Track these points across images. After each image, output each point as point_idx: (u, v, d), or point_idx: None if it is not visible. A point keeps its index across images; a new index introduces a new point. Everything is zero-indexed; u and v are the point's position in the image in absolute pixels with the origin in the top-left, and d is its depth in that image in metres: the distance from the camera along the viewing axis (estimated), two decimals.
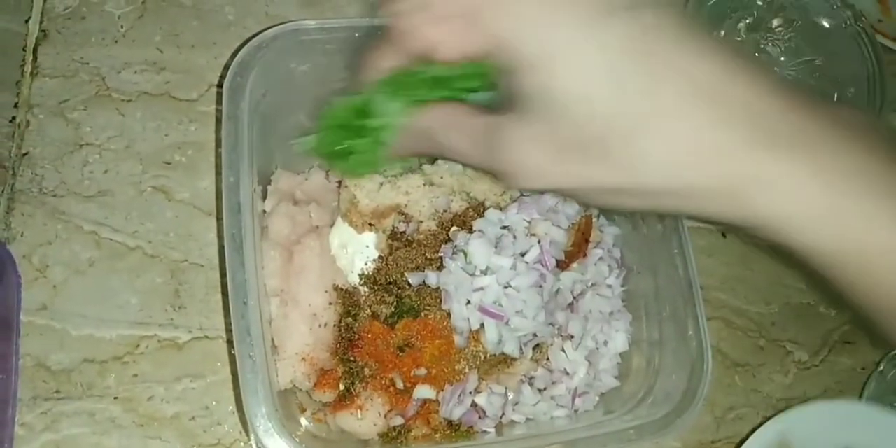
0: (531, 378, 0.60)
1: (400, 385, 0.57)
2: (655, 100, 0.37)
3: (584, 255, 0.63)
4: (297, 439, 0.49)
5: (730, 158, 0.37)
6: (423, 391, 0.57)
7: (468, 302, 0.57)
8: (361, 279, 0.60)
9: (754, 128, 0.37)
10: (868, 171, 0.37)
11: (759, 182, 0.37)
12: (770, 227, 0.38)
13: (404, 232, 0.61)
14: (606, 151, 0.38)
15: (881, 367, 0.75)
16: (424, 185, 0.60)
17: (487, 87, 0.47)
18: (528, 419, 0.60)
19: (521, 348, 0.58)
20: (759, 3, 0.85)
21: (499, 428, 0.60)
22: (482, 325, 0.57)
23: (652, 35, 0.37)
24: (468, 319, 0.57)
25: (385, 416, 0.57)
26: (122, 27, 0.73)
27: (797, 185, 0.36)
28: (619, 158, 0.38)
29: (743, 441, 0.68)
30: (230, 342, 0.64)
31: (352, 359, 0.57)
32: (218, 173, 0.68)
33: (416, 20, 0.42)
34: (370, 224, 0.61)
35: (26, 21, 0.71)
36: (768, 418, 0.69)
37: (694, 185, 0.38)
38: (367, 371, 0.57)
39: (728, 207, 0.38)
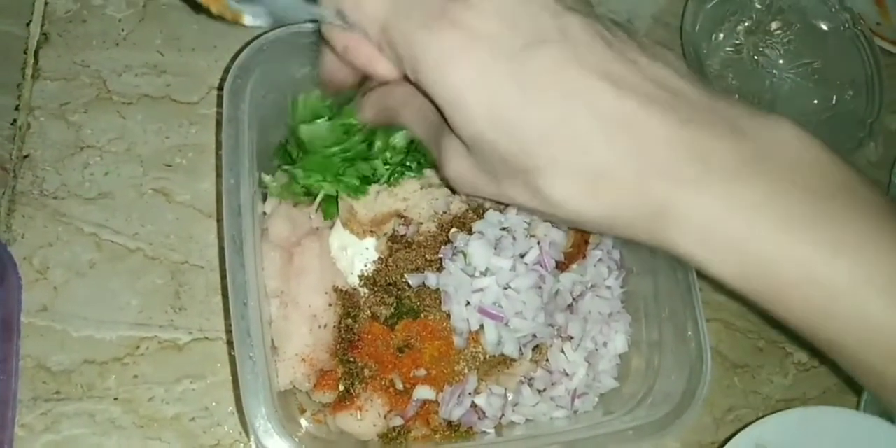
0: (531, 379, 0.60)
1: (399, 386, 0.57)
2: (554, 135, 0.37)
3: (584, 257, 0.64)
4: (297, 440, 0.49)
5: (633, 191, 0.37)
6: (423, 392, 0.57)
7: (468, 303, 0.57)
8: (361, 280, 0.60)
9: (657, 159, 0.36)
10: (780, 199, 0.36)
11: (662, 214, 0.37)
12: (683, 256, 0.38)
13: (404, 234, 0.61)
14: (513, 180, 0.39)
15: None
16: (422, 188, 0.61)
17: None
18: (527, 420, 0.61)
19: (520, 349, 0.58)
20: (758, 6, 0.85)
21: (498, 429, 0.60)
22: (482, 326, 0.57)
23: (545, 76, 0.37)
24: (468, 320, 0.57)
25: (385, 417, 0.57)
26: (122, 30, 0.73)
27: (702, 216, 0.36)
28: (530, 190, 0.39)
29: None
30: (230, 343, 0.64)
31: (351, 360, 0.57)
32: (218, 175, 0.69)
33: (350, 40, 0.43)
34: (371, 231, 0.61)
35: (27, 24, 0.71)
36: None
37: (602, 215, 0.38)
38: (366, 372, 0.57)
39: (643, 235, 0.39)
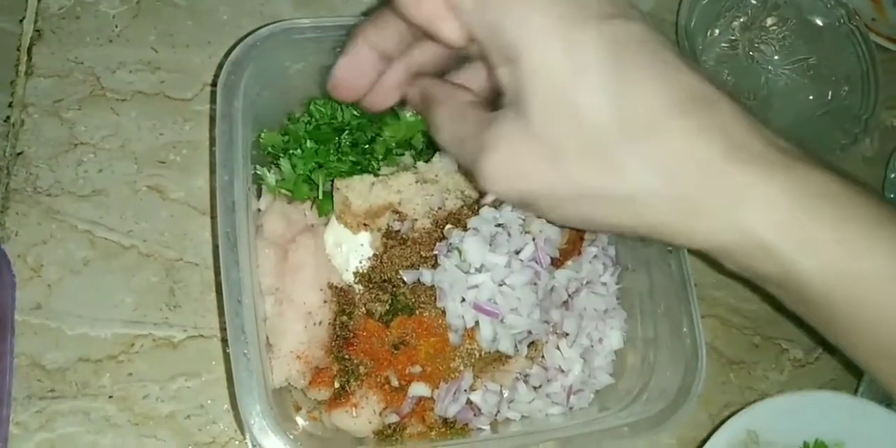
0: (526, 375, 0.60)
1: (395, 383, 0.57)
2: (639, 106, 0.36)
3: (579, 253, 0.64)
4: (292, 437, 0.49)
5: (714, 171, 0.36)
6: (418, 389, 0.57)
7: (463, 300, 0.57)
8: (356, 277, 0.60)
9: (736, 143, 0.36)
10: (842, 195, 0.36)
11: (739, 198, 0.36)
12: (743, 249, 0.37)
13: (399, 230, 0.61)
14: (588, 152, 0.37)
15: None
16: (417, 182, 0.60)
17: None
18: (523, 416, 0.60)
19: (515, 346, 0.58)
20: (753, 1, 0.85)
21: (494, 425, 0.60)
22: (477, 323, 0.57)
23: (635, 44, 0.36)
24: (463, 317, 0.57)
25: (380, 414, 0.57)
26: (116, 27, 0.73)
27: (778, 205, 0.36)
28: (600, 160, 0.37)
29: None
30: (225, 341, 0.64)
31: (347, 357, 0.57)
32: (212, 172, 0.68)
33: None
34: (364, 224, 0.61)
35: (21, 21, 0.71)
36: None
37: (676, 195, 0.36)
38: (361, 369, 0.57)
39: (701, 224, 0.37)
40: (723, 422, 0.67)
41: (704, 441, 0.66)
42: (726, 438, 0.66)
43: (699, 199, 0.36)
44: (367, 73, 0.46)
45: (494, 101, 0.42)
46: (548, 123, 0.37)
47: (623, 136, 0.36)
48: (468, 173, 0.43)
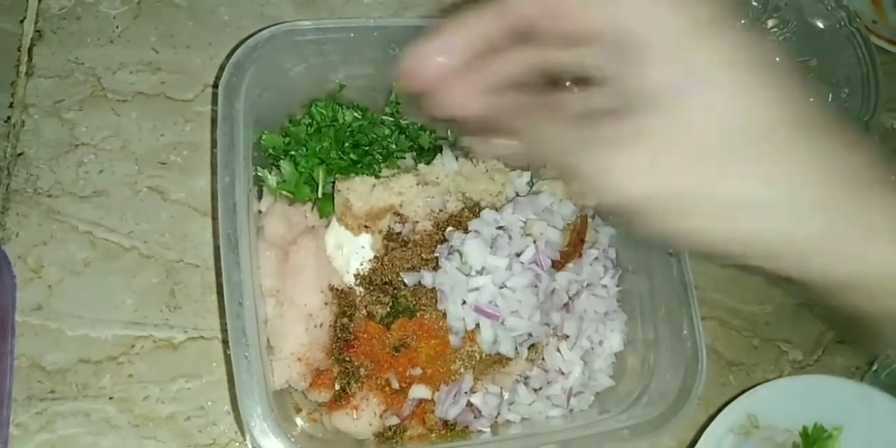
0: (526, 378, 0.60)
1: (395, 385, 0.57)
2: (769, 122, 0.36)
3: (580, 256, 0.64)
4: (293, 439, 0.49)
5: (843, 200, 0.36)
6: (419, 391, 0.57)
7: (464, 302, 0.57)
8: (357, 279, 0.60)
9: (862, 172, 0.36)
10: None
11: (869, 229, 0.36)
12: (863, 281, 0.37)
13: (400, 232, 0.61)
14: (724, 161, 0.36)
15: (875, 367, 0.76)
16: (418, 184, 0.60)
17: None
18: (523, 419, 0.61)
19: (516, 348, 0.58)
20: (754, 3, 0.85)
21: (494, 427, 0.60)
22: (477, 325, 0.57)
23: (769, 59, 0.36)
24: (464, 319, 0.57)
25: (380, 416, 0.57)
26: (117, 27, 0.72)
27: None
28: (734, 168, 0.36)
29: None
30: (225, 342, 0.64)
31: (347, 359, 0.57)
32: (213, 173, 0.68)
33: None
34: (365, 226, 0.61)
35: (21, 21, 0.71)
36: None
37: (786, 224, 0.36)
38: (362, 371, 0.57)
39: (830, 258, 0.37)
40: (723, 407, 0.68)
41: (704, 427, 0.67)
42: (727, 423, 0.67)
43: (828, 229, 0.36)
44: (451, 57, 0.41)
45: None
46: (689, 126, 0.37)
47: (754, 147, 0.36)
48: (577, 179, 0.40)
